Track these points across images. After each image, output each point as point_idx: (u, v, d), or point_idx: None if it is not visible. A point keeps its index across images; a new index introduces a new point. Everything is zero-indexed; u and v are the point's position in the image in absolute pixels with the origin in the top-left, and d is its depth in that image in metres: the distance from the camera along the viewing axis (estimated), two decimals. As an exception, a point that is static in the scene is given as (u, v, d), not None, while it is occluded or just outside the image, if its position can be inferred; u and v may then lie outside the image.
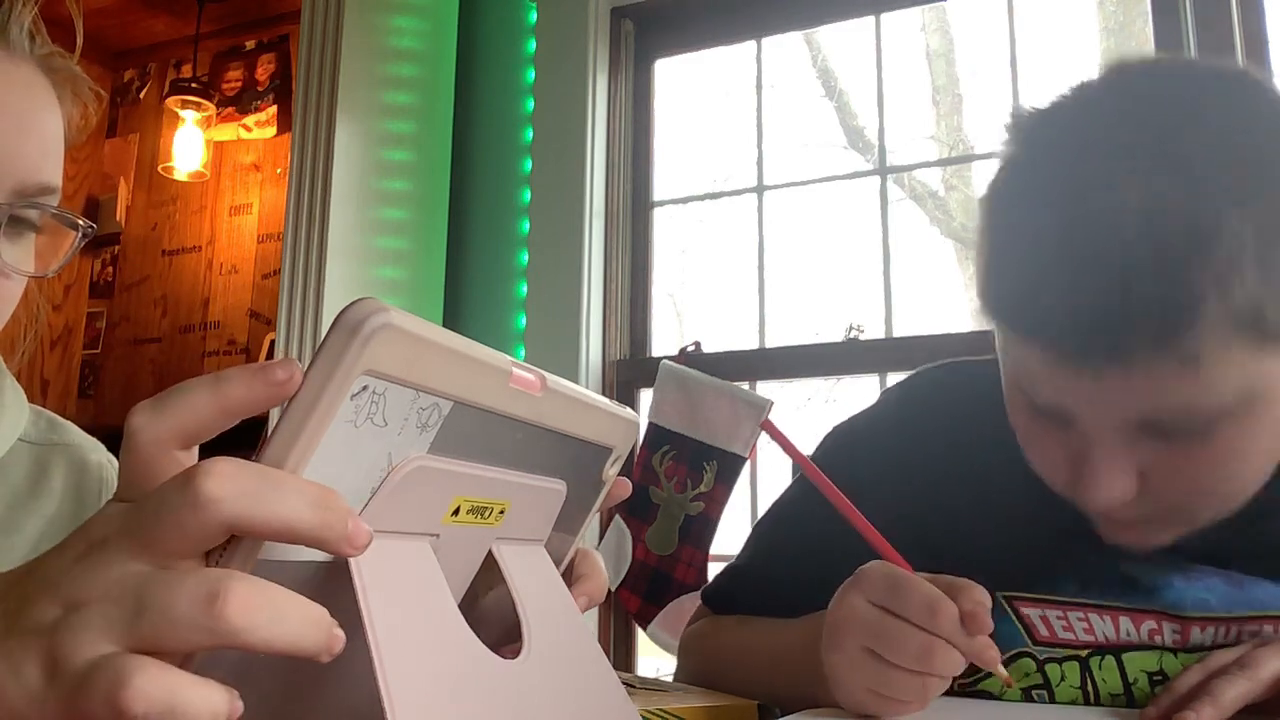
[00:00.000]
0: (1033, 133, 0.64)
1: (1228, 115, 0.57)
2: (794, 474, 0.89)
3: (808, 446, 0.84)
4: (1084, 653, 0.68)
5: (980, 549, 0.69)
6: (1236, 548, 0.65)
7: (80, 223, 0.60)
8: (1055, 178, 0.59)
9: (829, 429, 0.87)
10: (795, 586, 0.75)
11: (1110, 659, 0.67)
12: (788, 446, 0.61)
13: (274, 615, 0.28)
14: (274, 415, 0.41)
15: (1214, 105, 0.57)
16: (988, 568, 0.57)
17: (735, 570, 0.87)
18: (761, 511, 0.99)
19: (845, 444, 0.84)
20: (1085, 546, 0.66)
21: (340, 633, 0.30)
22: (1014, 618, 0.69)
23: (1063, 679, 0.68)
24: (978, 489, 0.72)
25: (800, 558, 0.80)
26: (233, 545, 0.29)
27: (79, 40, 0.61)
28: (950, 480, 0.74)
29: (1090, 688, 0.68)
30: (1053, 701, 0.69)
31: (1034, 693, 0.69)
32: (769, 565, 0.84)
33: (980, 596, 0.56)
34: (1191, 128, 0.56)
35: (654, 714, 0.60)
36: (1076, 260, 0.55)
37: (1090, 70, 0.68)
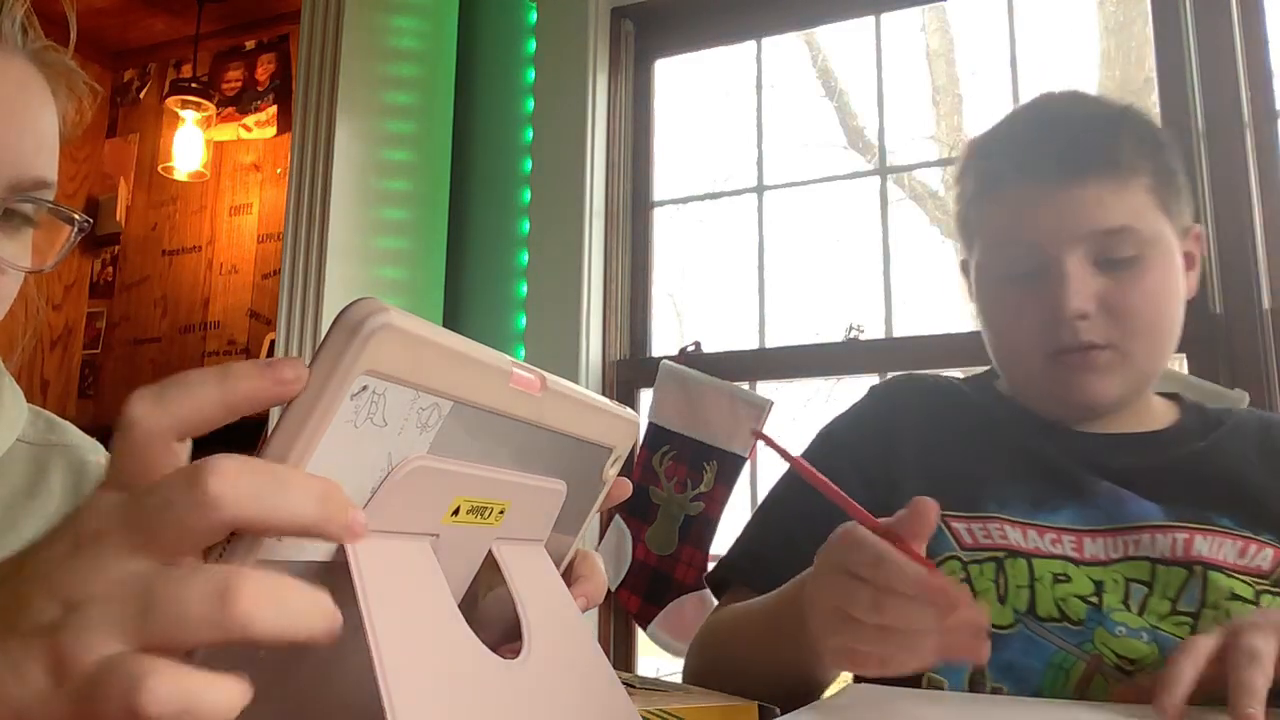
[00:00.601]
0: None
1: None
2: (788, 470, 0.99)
3: (802, 446, 1.00)
4: (1000, 554, 0.80)
5: (925, 479, 0.85)
6: (1143, 472, 0.83)
7: (76, 217, 0.60)
8: (1014, 113, 0.92)
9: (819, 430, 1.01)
10: (787, 559, 0.80)
11: (1021, 561, 0.80)
12: (781, 452, 0.62)
13: (281, 607, 0.28)
14: (274, 414, 0.41)
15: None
16: (929, 492, 0.62)
17: (730, 550, 0.95)
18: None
19: (824, 433, 1.01)
20: (1005, 477, 0.85)
21: (337, 613, 0.30)
22: (946, 530, 0.83)
23: (980, 575, 0.80)
24: (927, 440, 0.90)
25: (790, 533, 0.88)
26: (235, 541, 0.29)
27: (73, 35, 0.61)
28: (906, 436, 0.92)
29: (1002, 581, 0.80)
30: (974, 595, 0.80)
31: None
32: (762, 543, 0.93)
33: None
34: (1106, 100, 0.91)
35: (654, 714, 0.60)
36: (1040, 125, 0.88)
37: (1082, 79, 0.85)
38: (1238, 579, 0.77)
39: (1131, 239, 0.82)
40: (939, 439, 0.90)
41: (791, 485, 0.96)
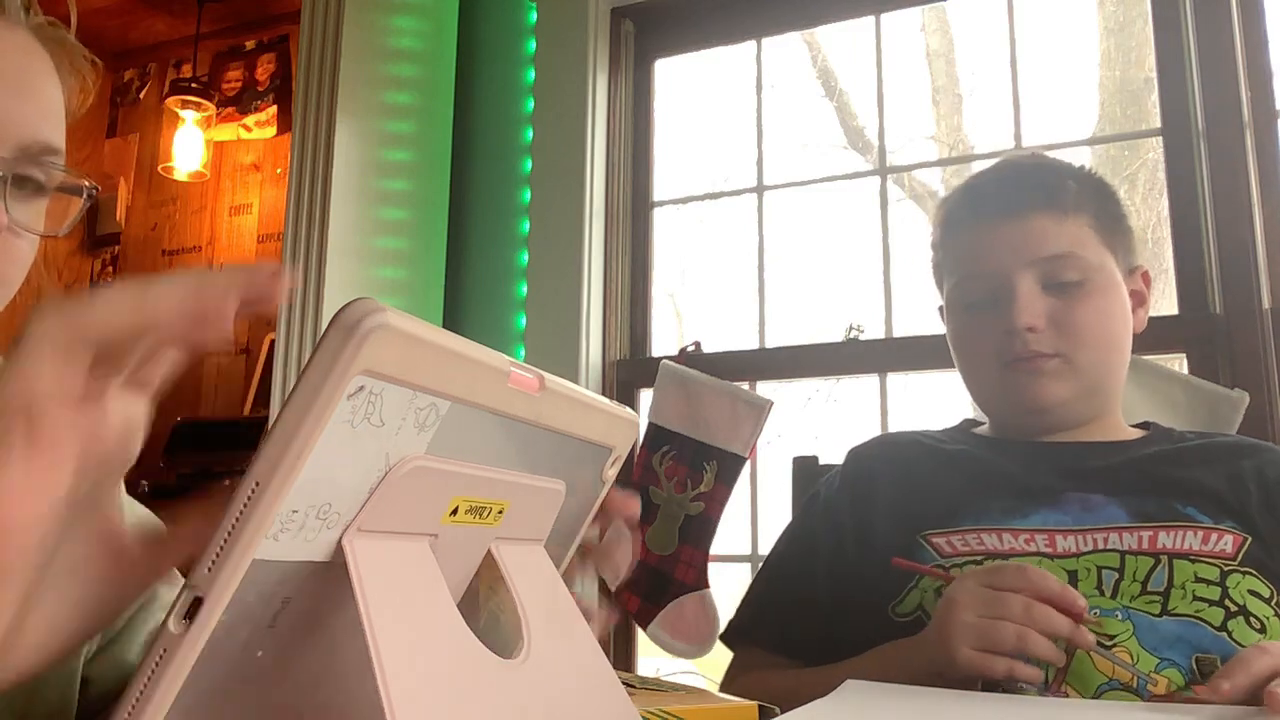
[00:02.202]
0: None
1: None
2: (794, 508, 1.13)
3: (808, 448, 1.13)
4: (979, 557, 0.89)
5: (900, 510, 0.96)
6: (1109, 474, 0.92)
7: (85, 184, 0.61)
8: (977, 177, 1.06)
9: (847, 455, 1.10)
10: (794, 617, 0.98)
11: (999, 560, 0.87)
12: (912, 566, 0.87)
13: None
14: (273, 414, 0.41)
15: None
16: (906, 519, 0.84)
17: (740, 611, 1.05)
18: (762, 511, 1.21)
19: (811, 494, 1.09)
20: (980, 495, 0.93)
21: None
22: (926, 546, 0.92)
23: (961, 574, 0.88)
24: (899, 479, 1.00)
25: (795, 592, 1.00)
26: (230, 542, 0.29)
27: (74, 19, 0.62)
28: (879, 481, 1.01)
29: None
30: None
31: (942, 588, 0.87)
32: (770, 602, 1.03)
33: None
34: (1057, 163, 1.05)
35: (654, 714, 0.60)
36: (992, 176, 1.03)
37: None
38: (1203, 563, 0.84)
39: (1075, 264, 0.93)
40: (912, 476, 0.99)
41: (792, 545, 1.05)
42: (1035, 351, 0.93)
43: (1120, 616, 0.82)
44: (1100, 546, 0.87)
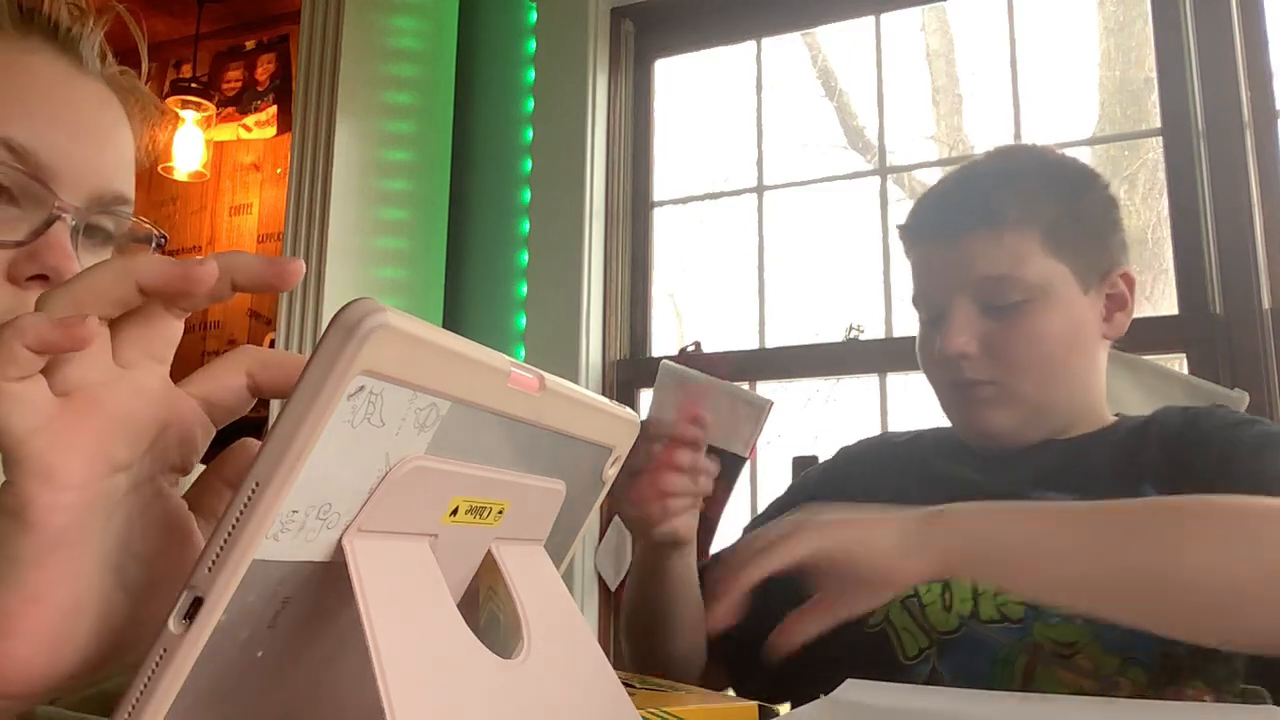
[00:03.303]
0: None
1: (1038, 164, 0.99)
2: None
3: (808, 448, 1.15)
4: (944, 580, 0.87)
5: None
6: (1065, 471, 0.91)
7: (155, 233, 0.62)
8: (925, 194, 1.02)
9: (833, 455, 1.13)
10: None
11: (964, 581, 0.87)
12: None
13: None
14: (273, 414, 0.41)
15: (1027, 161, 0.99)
16: None
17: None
18: (762, 512, 1.20)
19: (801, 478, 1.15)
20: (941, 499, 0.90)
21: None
22: None
23: (928, 590, 0.89)
24: (875, 488, 0.99)
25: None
26: (229, 544, 0.29)
27: (144, 66, 0.64)
28: (854, 485, 1.03)
29: (948, 596, 0.88)
30: (921, 607, 0.89)
31: (907, 601, 0.90)
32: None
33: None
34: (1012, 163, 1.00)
35: (654, 714, 0.60)
36: (938, 192, 1.00)
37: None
38: None
39: (1013, 285, 0.90)
40: (887, 485, 0.99)
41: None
42: (970, 379, 0.92)
43: (1080, 623, 0.81)
44: None
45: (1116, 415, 1.00)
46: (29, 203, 0.54)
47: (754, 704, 0.66)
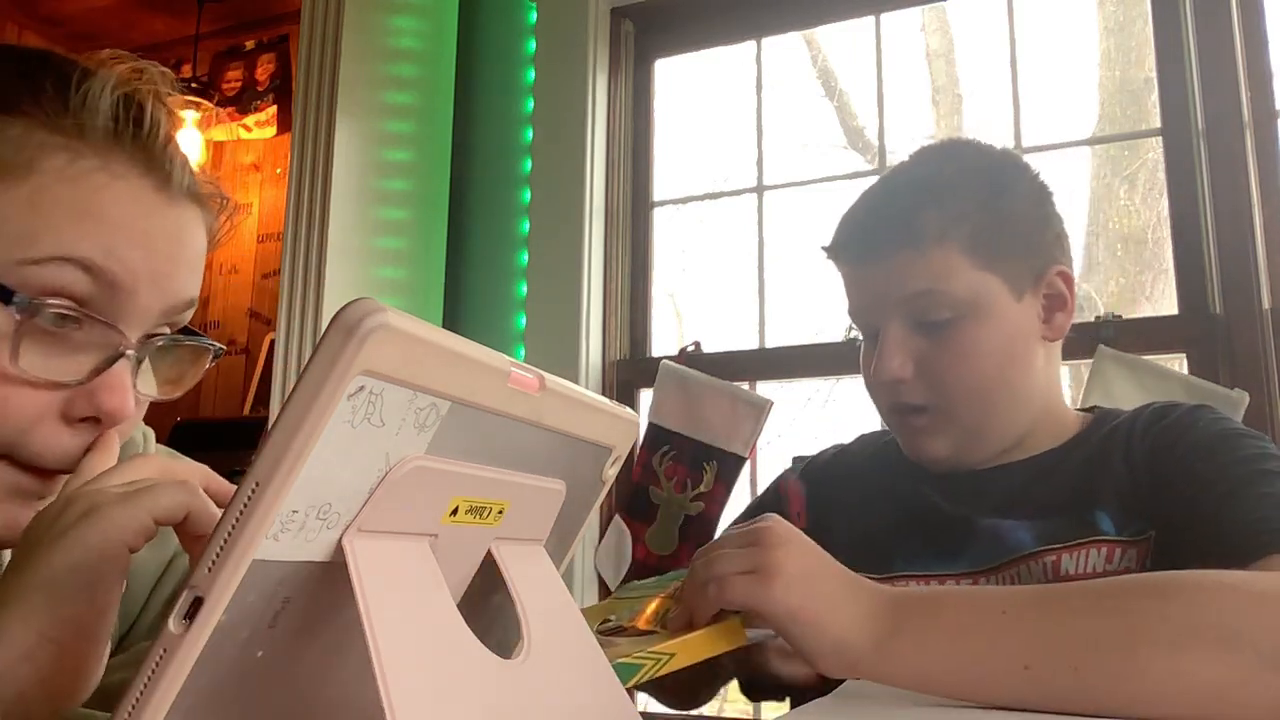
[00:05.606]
0: None
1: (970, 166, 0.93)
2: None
3: (808, 448, 1.10)
4: None
5: (852, 549, 0.86)
6: (1020, 498, 0.88)
7: (214, 347, 0.62)
8: (846, 215, 0.97)
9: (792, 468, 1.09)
10: None
11: None
12: None
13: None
14: (273, 414, 0.41)
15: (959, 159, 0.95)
16: (849, 559, 0.69)
17: None
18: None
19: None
20: (907, 531, 0.91)
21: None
22: None
23: None
24: (848, 505, 0.99)
25: None
26: (229, 545, 0.29)
27: (204, 156, 0.64)
28: (845, 510, 0.99)
29: None
30: None
31: None
32: None
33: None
34: (944, 163, 0.94)
35: (648, 656, 0.60)
36: (858, 207, 0.95)
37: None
38: None
39: (940, 300, 0.87)
40: (856, 504, 0.97)
41: None
42: (906, 404, 0.90)
43: None
44: (1014, 582, 0.85)
45: (1092, 409, 0.97)
46: (95, 333, 0.54)
47: (737, 618, 0.66)
